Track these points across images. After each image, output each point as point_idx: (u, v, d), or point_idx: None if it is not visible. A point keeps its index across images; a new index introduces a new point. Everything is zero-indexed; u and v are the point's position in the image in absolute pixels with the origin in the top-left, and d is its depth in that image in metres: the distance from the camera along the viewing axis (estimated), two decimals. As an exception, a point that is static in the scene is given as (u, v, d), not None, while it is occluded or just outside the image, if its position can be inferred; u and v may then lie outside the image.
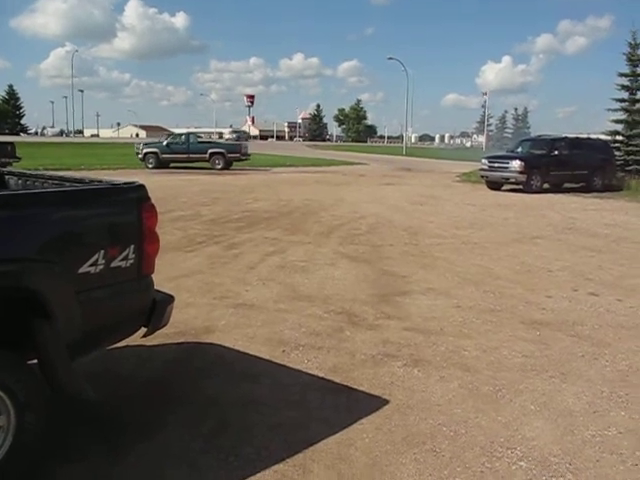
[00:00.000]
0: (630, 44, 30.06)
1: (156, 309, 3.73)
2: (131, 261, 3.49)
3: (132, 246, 3.50)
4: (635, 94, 30.15)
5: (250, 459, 3.50)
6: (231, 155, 32.31)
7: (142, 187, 3.70)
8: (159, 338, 5.04)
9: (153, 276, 3.83)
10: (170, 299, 3.95)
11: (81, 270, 3.21)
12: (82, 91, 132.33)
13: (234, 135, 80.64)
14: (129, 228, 3.56)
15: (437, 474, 3.42)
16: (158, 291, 3.90)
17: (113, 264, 3.38)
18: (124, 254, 3.45)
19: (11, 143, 25.90)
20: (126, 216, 3.58)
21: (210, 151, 32.06)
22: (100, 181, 3.98)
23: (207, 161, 31.75)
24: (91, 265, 3.26)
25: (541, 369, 5.02)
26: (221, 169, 31.19)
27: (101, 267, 3.30)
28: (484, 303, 7.01)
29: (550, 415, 4.19)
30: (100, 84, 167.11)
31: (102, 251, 3.31)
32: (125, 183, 3.72)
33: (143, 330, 3.82)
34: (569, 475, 3.46)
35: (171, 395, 4.37)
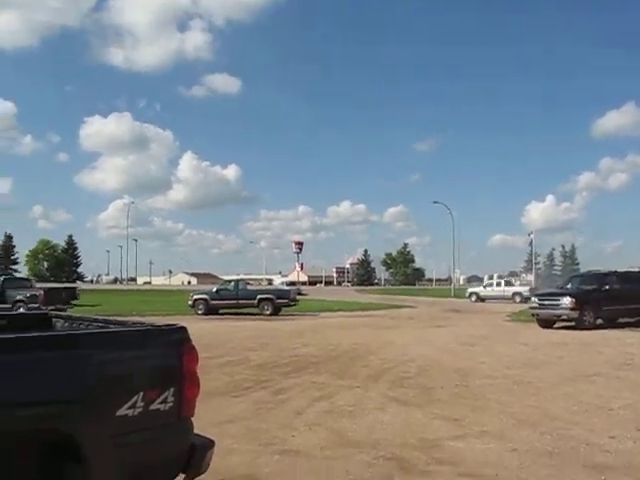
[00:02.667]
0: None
1: (195, 454, 3.62)
2: (170, 404, 3.43)
3: (172, 389, 3.46)
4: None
5: None
6: (280, 301, 32.55)
7: (183, 329, 3.70)
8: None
9: (196, 421, 3.75)
10: (210, 444, 3.83)
11: (119, 413, 3.16)
12: (136, 240, 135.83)
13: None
14: (169, 370, 3.53)
15: None
16: (199, 436, 3.80)
17: (152, 407, 3.33)
18: (163, 397, 3.40)
19: (71, 288, 26.75)
20: (166, 358, 3.56)
21: (259, 297, 32.39)
22: (142, 323, 4.00)
23: (256, 307, 31.99)
24: (129, 408, 3.21)
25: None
26: (270, 315, 31.33)
27: (139, 410, 3.25)
28: (541, 445, 6.66)
29: None
30: (154, 233, 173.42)
31: (141, 393, 3.28)
32: (166, 325, 3.74)
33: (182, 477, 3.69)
34: None
35: None
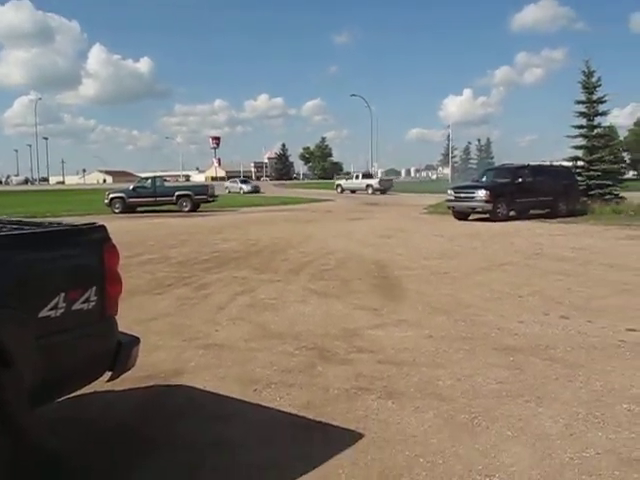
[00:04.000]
0: (584, 72, 30.89)
1: (121, 352, 3.64)
2: (93, 303, 3.41)
3: (94, 288, 3.43)
4: (592, 120, 30.87)
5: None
6: (198, 197, 32.22)
7: (103, 228, 3.64)
8: (127, 382, 4.92)
9: (120, 320, 3.75)
10: (135, 341, 3.86)
11: (41, 314, 3.12)
12: (47, 138, 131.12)
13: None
14: (90, 270, 3.49)
15: (416, 506, 3.35)
16: (123, 334, 3.81)
17: (75, 307, 3.30)
18: (85, 296, 3.37)
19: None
20: (87, 258, 3.51)
21: (177, 193, 31.97)
22: (59, 223, 3.91)
23: (174, 204, 31.63)
24: (52, 309, 3.17)
25: (516, 394, 4.99)
26: (189, 211, 31.08)
27: (62, 310, 3.22)
28: (456, 332, 6.99)
29: (528, 440, 4.15)
30: (65, 131, 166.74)
31: (63, 294, 3.23)
32: (85, 224, 3.66)
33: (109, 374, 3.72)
34: (549, 500, 3.42)
35: (141, 440, 4.25)
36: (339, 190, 59.92)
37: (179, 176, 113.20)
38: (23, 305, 3.06)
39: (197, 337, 6.84)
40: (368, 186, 56.96)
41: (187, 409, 4.78)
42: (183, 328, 7.25)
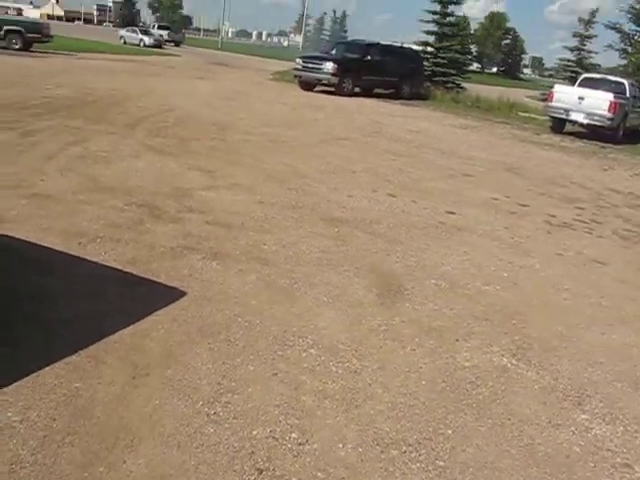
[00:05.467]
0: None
1: None
2: None
3: None
4: (446, 7, 31.40)
5: (41, 351, 3.39)
6: (31, 35, 29.65)
7: None
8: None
9: None
10: None
11: None
12: None
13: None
14: None
15: (230, 362, 3.51)
16: None
17: None
18: None
19: None
20: None
21: (6, 28, 29.24)
22: None
23: (2, 39, 28.99)
24: None
25: (337, 264, 5.25)
26: (19, 50, 28.66)
27: None
28: (287, 200, 7.15)
29: (341, 307, 4.42)
30: None
31: None
32: None
33: None
34: (354, 360, 3.70)
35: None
36: (121, 42, 56.38)
37: (9, 8, 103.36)
38: None
39: (20, 186, 6.51)
40: (141, 40, 55.63)
41: (6, 259, 4.62)
42: (5, 176, 6.84)
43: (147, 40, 54.68)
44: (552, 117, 20.04)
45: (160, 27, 69.64)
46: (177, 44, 64.56)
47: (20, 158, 7.77)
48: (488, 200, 8.54)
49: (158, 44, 55.14)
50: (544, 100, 23.06)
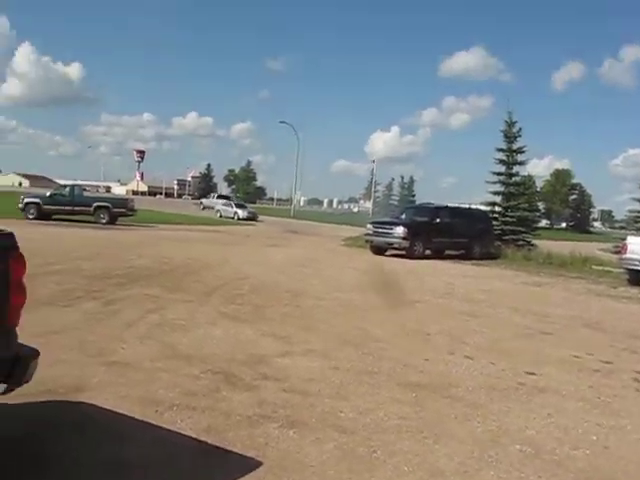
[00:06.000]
0: (507, 122, 32.20)
1: (18, 364, 3.53)
2: None
3: None
4: (511, 168, 32.13)
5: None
6: (117, 210, 31.60)
7: (10, 235, 3.56)
8: (23, 396, 4.74)
9: (21, 331, 3.66)
10: (35, 354, 3.76)
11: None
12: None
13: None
14: None
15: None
16: (23, 345, 3.71)
17: None
18: None
19: None
20: None
21: (95, 204, 31.28)
22: None
23: (92, 214, 30.91)
24: None
25: (415, 430, 5.09)
26: (106, 223, 30.41)
27: None
28: (362, 365, 7.07)
29: (422, 476, 4.24)
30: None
31: None
32: (-9, 230, 3.57)
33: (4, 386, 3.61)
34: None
35: (33, 457, 4.12)
36: (201, 207, 63.89)
37: (99, 186, 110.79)
38: None
39: (102, 353, 6.69)
40: (235, 213, 56.37)
41: (84, 427, 4.67)
42: (88, 343, 7.08)
43: (241, 213, 54.42)
44: (628, 269, 19.62)
45: (219, 197, 74.42)
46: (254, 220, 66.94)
47: (102, 326, 8.03)
48: (569, 358, 8.26)
49: (252, 217, 54.69)
50: (617, 252, 22.73)
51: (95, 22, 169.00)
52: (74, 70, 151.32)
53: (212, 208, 61.70)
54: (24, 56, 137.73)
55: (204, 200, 74.04)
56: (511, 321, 10.88)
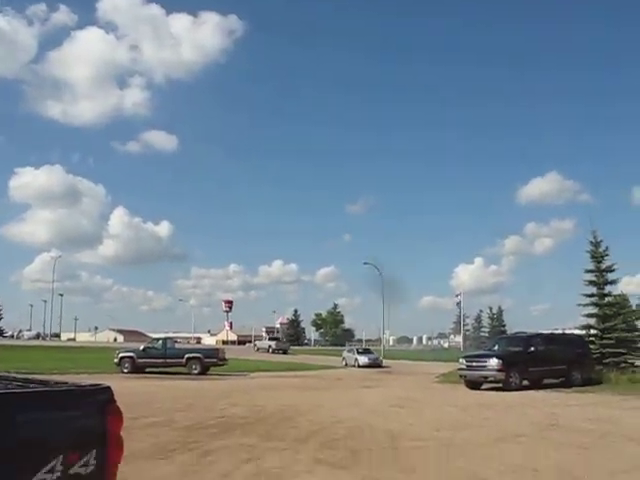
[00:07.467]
0: (592, 242, 31.69)
1: None
2: (92, 467, 3.29)
3: (94, 451, 3.32)
4: (603, 288, 31.22)
5: None
6: (208, 360, 32.00)
7: (108, 389, 3.60)
8: None
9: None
10: None
11: (37, 477, 3.02)
12: (62, 295, 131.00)
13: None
14: (92, 432, 3.40)
15: None
16: None
17: (72, 470, 3.18)
18: (85, 460, 3.26)
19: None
20: (89, 419, 3.43)
21: (187, 356, 31.81)
22: (65, 383, 3.87)
23: (184, 366, 31.36)
24: (48, 472, 3.06)
25: None
26: (198, 374, 30.74)
27: (58, 474, 3.10)
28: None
29: None
30: (81, 289, 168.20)
31: (61, 456, 3.13)
32: (90, 385, 3.63)
33: None
34: None
35: None
36: (344, 363, 53.47)
37: (191, 338, 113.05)
38: (20, 466, 2.96)
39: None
40: (269, 346, 71.38)
41: None
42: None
43: (362, 360, 48.31)
44: None
45: (271, 339, 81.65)
46: (285, 352, 71.44)
47: (197, 478, 7.96)
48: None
49: (377, 364, 48.38)
50: None
51: (179, 183, 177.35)
52: (163, 228, 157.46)
53: (266, 349, 70.97)
54: (118, 218, 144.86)
55: (258, 342, 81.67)
56: (626, 450, 10.18)
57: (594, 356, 27.78)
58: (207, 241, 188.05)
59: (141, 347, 32.87)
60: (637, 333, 31.43)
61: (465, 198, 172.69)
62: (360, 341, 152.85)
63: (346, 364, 49.99)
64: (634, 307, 37.26)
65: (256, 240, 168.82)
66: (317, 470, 8.61)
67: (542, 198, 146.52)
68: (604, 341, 29.54)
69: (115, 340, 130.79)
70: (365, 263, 74.90)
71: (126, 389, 17.92)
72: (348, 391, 22.96)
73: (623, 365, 28.40)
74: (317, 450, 10.10)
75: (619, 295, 34.32)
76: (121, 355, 31.79)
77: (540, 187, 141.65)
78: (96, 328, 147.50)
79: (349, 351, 54.73)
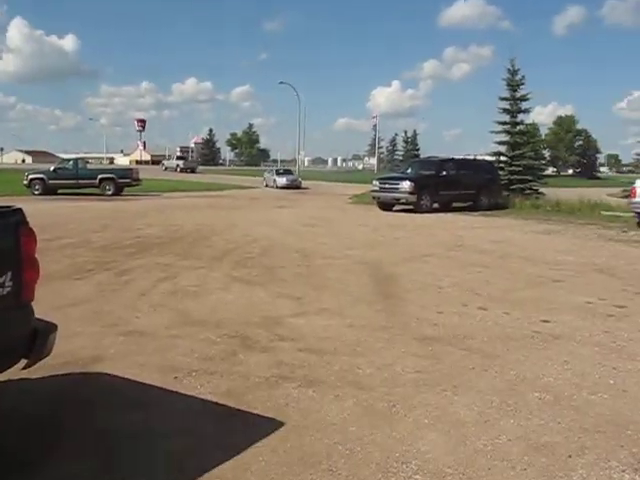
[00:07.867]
0: (509, 70, 31.94)
1: (37, 338, 3.55)
2: (8, 289, 3.31)
3: (9, 273, 3.33)
4: (515, 117, 31.88)
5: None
6: (122, 180, 31.60)
7: (19, 211, 3.54)
8: (44, 370, 4.79)
9: (37, 305, 3.66)
10: (52, 328, 3.77)
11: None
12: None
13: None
14: (6, 254, 3.38)
15: (333, 493, 3.40)
16: (40, 320, 3.72)
17: None
18: (0, 281, 3.27)
19: None
20: (2, 242, 3.41)
21: (100, 176, 31.29)
22: None
23: (97, 187, 30.92)
24: None
25: (434, 383, 5.10)
26: (112, 195, 30.43)
27: None
28: (376, 321, 7.08)
29: (443, 427, 4.25)
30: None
31: None
32: (0, 207, 3.55)
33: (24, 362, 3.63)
34: (462, 485, 3.53)
35: (57, 428, 4.17)
36: (164, 168, 75.19)
37: (102, 158, 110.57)
38: None
39: (117, 324, 6.73)
40: (177, 165, 78.70)
41: (105, 397, 4.71)
42: (103, 314, 7.12)
43: (280, 181, 49.07)
44: (637, 213, 19.46)
45: (178, 157, 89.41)
46: (192, 171, 78.13)
47: (116, 297, 8.08)
48: (582, 304, 8.24)
49: (295, 185, 48.76)
50: (627, 197, 22.51)
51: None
52: (69, 42, 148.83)
53: (174, 168, 76.90)
54: (16, 30, 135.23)
55: (165, 162, 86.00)
56: (522, 270, 10.84)
57: (502, 182, 28.82)
58: (117, 57, 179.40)
59: (52, 168, 31.99)
60: (543, 162, 32.70)
61: (384, 24, 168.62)
62: (275, 161, 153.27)
63: (266, 185, 50.65)
64: (543, 137, 38.49)
65: (169, 57, 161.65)
66: (232, 287, 8.89)
67: (463, 22, 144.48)
68: (512, 168, 30.65)
69: (23, 161, 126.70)
70: (281, 82, 73.46)
71: (38, 211, 17.67)
72: (263, 211, 23.27)
73: (528, 192, 29.72)
74: (232, 268, 10.37)
75: (530, 124, 35.25)
76: (31, 177, 30.93)
77: (462, 10, 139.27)
78: (1, 149, 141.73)
79: (269, 172, 55.08)
